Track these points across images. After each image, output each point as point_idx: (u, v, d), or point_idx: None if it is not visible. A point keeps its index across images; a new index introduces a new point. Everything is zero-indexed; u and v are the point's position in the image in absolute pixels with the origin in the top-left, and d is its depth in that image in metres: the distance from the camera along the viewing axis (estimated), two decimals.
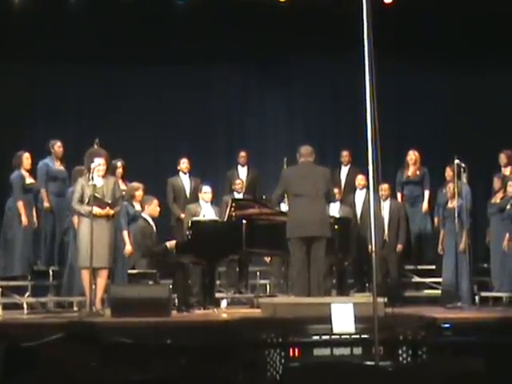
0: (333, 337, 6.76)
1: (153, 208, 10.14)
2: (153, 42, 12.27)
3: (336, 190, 10.76)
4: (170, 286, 9.24)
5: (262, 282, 11.51)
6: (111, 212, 9.30)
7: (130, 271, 9.80)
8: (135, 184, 10.69)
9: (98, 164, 9.31)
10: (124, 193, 10.39)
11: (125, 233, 10.34)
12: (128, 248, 10.29)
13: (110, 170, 9.76)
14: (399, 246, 10.91)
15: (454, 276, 10.28)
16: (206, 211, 10.57)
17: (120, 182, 10.48)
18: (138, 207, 10.53)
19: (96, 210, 9.06)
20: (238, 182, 11.35)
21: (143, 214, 10.12)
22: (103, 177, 9.38)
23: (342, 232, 10.13)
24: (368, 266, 10.54)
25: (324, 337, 6.76)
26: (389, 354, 6.52)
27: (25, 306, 9.95)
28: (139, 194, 10.58)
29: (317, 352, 6.69)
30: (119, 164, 10.76)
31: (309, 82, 13.05)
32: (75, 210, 9.48)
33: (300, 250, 9.01)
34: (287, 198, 9.48)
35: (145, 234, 9.95)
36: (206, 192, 10.68)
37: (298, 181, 9.14)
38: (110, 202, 9.28)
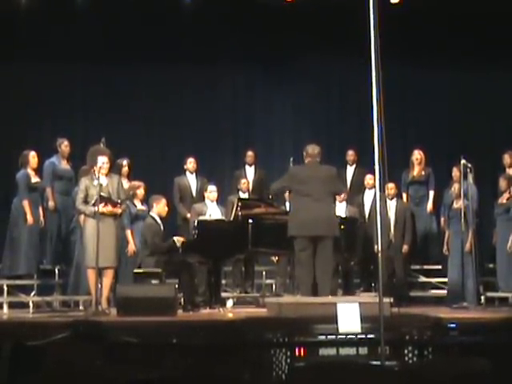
0: (339, 336, 6.75)
1: (161, 207, 10.14)
2: (159, 40, 12.28)
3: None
4: (176, 286, 9.26)
5: (268, 281, 11.52)
6: (119, 211, 9.32)
7: (136, 270, 9.80)
8: (136, 182, 10.70)
9: (102, 163, 9.33)
10: (131, 192, 10.43)
11: (128, 231, 10.35)
12: (132, 247, 10.31)
13: (113, 168, 9.78)
14: (405, 247, 10.89)
15: (459, 276, 10.28)
16: (212, 211, 10.58)
17: (125, 181, 10.49)
18: (139, 206, 10.55)
19: (103, 208, 9.08)
20: (243, 181, 11.34)
21: (151, 213, 10.12)
22: (107, 175, 9.40)
23: (348, 232, 10.13)
24: (374, 266, 10.54)
25: (330, 336, 6.75)
26: (395, 353, 6.51)
27: (31, 304, 9.98)
28: (140, 192, 10.60)
29: (322, 352, 6.68)
30: (125, 163, 10.75)
31: (315, 82, 13.05)
32: (79, 210, 9.50)
33: (306, 249, 8.99)
34: (291, 197, 9.50)
35: (154, 232, 9.95)
36: (212, 191, 10.70)
37: (305, 180, 9.13)
38: (118, 200, 9.29)
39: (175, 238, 9.88)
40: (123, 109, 12.48)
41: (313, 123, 13.02)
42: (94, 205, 9.10)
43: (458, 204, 10.40)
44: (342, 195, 10.76)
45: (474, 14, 12.20)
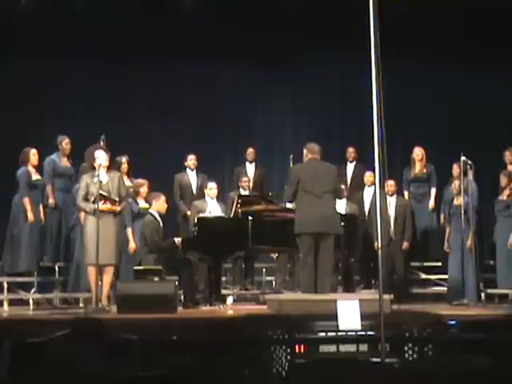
0: (339, 333, 6.76)
1: (160, 204, 10.14)
2: (159, 39, 12.29)
3: (343, 186, 10.82)
4: (176, 283, 9.25)
5: (268, 278, 11.53)
6: (117, 209, 9.30)
7: (136, 267, 9.80)
8: (140, 180, 10.70)
9: (101, 155, 9.30)
10: (131, 190, 10.42)
11: (129, 230, 10.35)
12: (132, 245, 10.31)
13: (112, 165, 9.76)
14: (405, 244, 10.90)
15: (460, 273, 10.27)
16: (212, 208, 10.57)
17: (125, 178, 10.48)
18: (142, 204, 10.54)
19: (103, 206, 9.07)
20: (244, 179, 11.33)
21: (151, 210, 10.12)
22: (108, 170, 9.36)
23: (348, 229, 10.11)
24: (374, 263, 10.53)
25: (330, 333, 6.76)
26: (395, 350, 6.51)
27: (31, 302, 10.00)
28: (144, 190, 10.59)
29: (323, 349, 6.69)
30: (124, 160, 10.73)
31: (315, 79, 13.04)
32: (80, 207, 9.49)
33: (309, 246, 8.99)
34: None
35: (153, 230, 9.95)
36: (212, 188, 10.68)
37: (308, 178, 9.14)
38: (116, 199, 9.27)
39: (176, 239, 9.89)
40: (123, 106, 12.49)
41: (313, 120, 12.99)
42: (93, 202, 9.10)
43: (459, 201, 10.39)
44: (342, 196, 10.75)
45: (475, 13, 12.19)
